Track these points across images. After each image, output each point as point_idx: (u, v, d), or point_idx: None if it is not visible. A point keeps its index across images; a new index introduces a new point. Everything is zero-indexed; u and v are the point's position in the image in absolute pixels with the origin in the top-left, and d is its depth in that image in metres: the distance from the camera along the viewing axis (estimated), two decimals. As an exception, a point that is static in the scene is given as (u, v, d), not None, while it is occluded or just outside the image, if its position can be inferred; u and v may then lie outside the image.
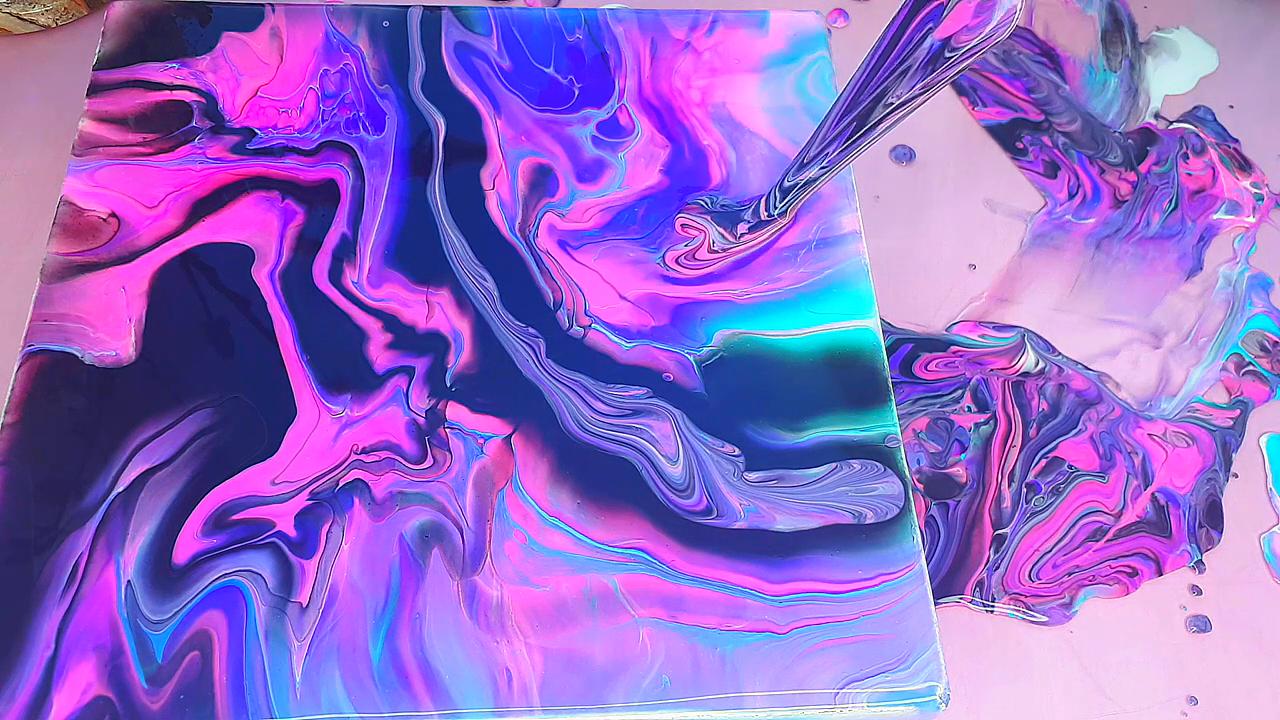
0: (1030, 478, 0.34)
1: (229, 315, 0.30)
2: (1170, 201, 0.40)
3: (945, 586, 0.32)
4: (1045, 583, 0.32)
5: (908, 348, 0.36)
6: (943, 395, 0.35)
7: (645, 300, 0.31)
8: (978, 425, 0.34)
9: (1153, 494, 0.34)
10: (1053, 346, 0.36)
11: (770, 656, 0.26)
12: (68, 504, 0.27)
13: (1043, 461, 0.34)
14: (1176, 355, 0.37)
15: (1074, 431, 0.34)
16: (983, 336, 0.36)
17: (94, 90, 0.33)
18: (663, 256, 0.32)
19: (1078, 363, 0.36)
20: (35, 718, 0.24)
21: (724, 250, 0.32)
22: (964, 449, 0.34)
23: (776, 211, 0.31)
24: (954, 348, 0.36)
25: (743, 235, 0.32)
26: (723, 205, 0.32)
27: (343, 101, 0.34)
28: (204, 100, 0.33)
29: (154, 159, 0.32)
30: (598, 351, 0.30)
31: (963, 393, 0.35)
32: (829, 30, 0.37)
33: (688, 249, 0.32)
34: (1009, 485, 0.33)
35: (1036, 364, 0.35)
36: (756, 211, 0.31)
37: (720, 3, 0.42)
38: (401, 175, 0.33)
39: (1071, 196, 0.39)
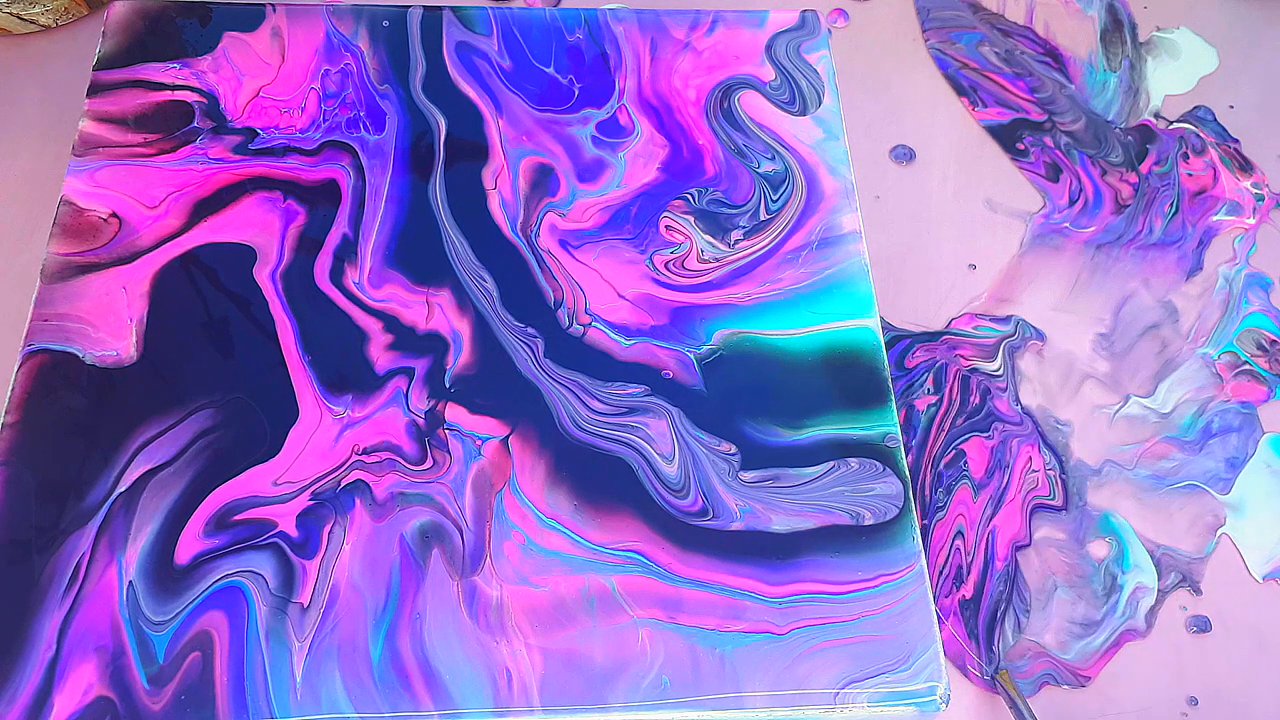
0: (941, 465, 0.33)
1: (230, 315, 0.30)
2: (1171, 205, 0.39)
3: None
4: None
5: (905, 344, 0.36)
6: (915, 382, 0.35)
7: (645, 299, 0.31)
8: (929, 407, 0.34)
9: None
10: (1043, 334, 0.36)
11: (770, 657, 0.26)
12: (69, 504, 0.27)
13: (952, 452, 0.34)
14: (1176, 355, 0.37)
15: (986, 433, 0.34)
16: (977, 329, 0.36)
17: (94, 90, 0.33)
18: (650, 259, 0.32)
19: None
20: (36, 718, 0.25)
21: (715, 260, 0.32)
22: (915, 432, 0.34)
23: None
24: (946, 337, 0.36)
25: (736, 243, 0.32)
26: (710, 202, 0.32)
27: (344, 101, 0.34)
28: (205, 100, 0.33)
29: (155, 159, 0.32)
30: (597, 349, 0.30)
31: (927, 375, 0.35)
32: (829, 30, 0.37)
33: (675, 255, 0.32)
34: (931, 470, 0.33)
35: (999, 369, 0.35)
36: None
37: (720, 3, 0.42)
38: (402, 175, 0.33)
39: (1073, 202, 0.39)
